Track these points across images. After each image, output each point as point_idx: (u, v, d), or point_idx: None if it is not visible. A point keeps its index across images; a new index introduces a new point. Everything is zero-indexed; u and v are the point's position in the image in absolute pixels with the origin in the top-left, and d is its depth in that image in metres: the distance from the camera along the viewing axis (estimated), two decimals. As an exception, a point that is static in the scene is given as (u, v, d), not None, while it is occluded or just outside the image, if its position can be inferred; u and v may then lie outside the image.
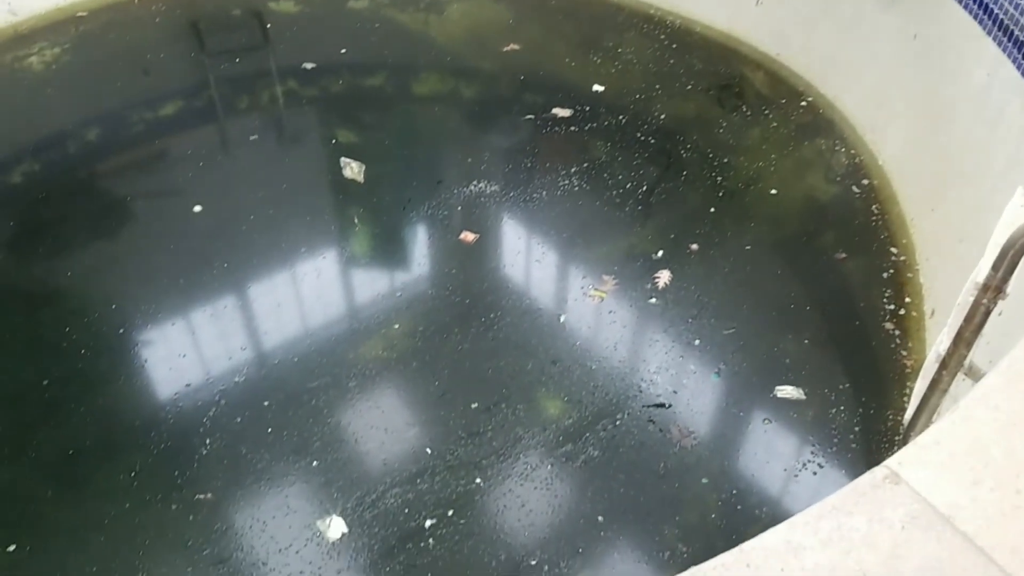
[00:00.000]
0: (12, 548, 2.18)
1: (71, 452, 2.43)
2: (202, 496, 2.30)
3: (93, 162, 3.77)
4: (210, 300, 2.97)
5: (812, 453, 2.41)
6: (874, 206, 3.29)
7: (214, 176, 3.58)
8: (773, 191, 3.42)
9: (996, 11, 2.60)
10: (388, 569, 2.12)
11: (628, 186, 3.46)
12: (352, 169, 3.57)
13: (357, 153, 3.67)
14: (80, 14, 4.59)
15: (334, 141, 3.79)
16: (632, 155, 3.64)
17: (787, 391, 2.59)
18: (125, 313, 2.89)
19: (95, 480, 2.35)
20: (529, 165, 3.62)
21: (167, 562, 2.14)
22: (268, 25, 4.86)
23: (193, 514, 2.25)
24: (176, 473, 2.36)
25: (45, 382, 2.64)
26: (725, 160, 3.58)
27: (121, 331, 2.83)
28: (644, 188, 3.45)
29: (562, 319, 2.89)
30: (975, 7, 2.72)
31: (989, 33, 2.65)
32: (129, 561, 2.14)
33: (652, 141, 3.71)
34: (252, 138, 3.82)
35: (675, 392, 2.60)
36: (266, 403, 2.57)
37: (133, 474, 2.36)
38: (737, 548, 1.76)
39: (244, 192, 3.46)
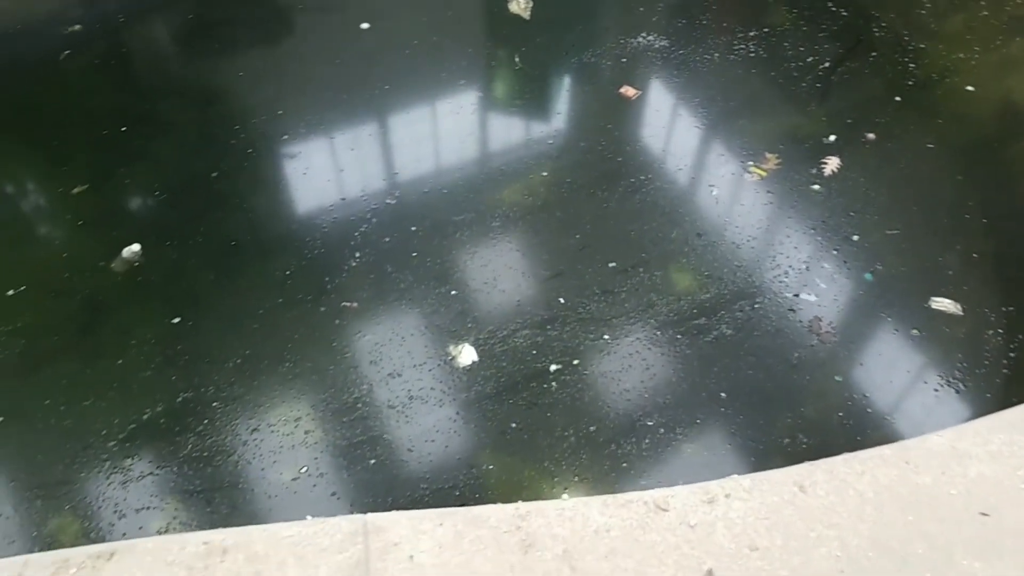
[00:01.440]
0: (176, 320, 2.33)
1: (233, 243, 2.53)
2: (348, 304, 2.37)
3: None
4: (369, 120, 2.95)
5: (958, 371, 2.24)
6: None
7: (384, -6, 3.48)
8: (969, 87, 3.04)
9: None
10: (511, 402, 2.15)
11: (808, 60, 3.15)
12: (519, 4, 3.39)
13: (526, -12, 3.47)
14: None
15: (505, -28, 3.58)
16: (818, 26, 3.29)
17: (943, 303, 2.39)
18: (289, 120, 2.92)
19: (253, 273, 2.46)
20: (703, 23, 3.33)
21: (311, 357, 2.24)
22: None
23: (339, 319, 2.33)
24: (326, 279, 2.43)
25: (214, 174, 2.73)
26: (921, 46, 3.18)
27: (285, 136, 2.87)
28: (826, 64, 3.14)
29: (714, 192, 2.73)
30: None
31: None
32: (278, 350, 2.25)
33: (843, 14, 3.34)
34: (424, -41, 3.66)
35: (823, 285, 2.44)
36: (413, 228, 2.58)
37: (288, 273, 2.45)
38: (898, 443, 1.68)
39: (410, 15, 3.35)
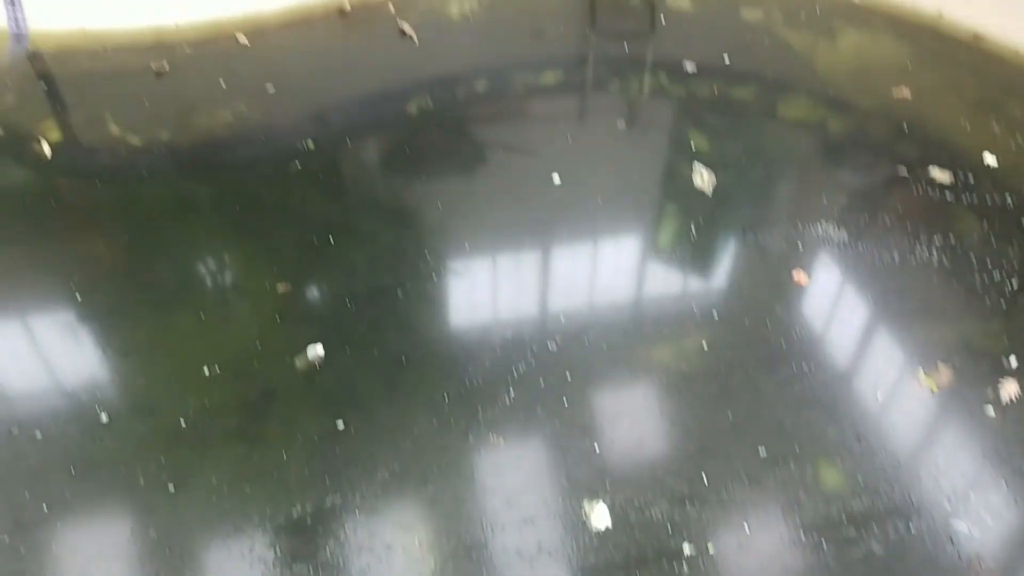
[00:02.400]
0: (340, 424, 2.45)
1: (403, 359, 2.67)
2: (495, 438, 2.41)
3: (474, 107, 4.04)
4: (546, 265, 3.08)
5: None
6: None
7: (574, 149, 3.68)
8: None
9: None
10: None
11: (995, 276, 3.00)
12: (702, 177, 3.47)
13: (709, 162, 3.56)
14: (504, -25, 4.91)
15: (692, 147, 3.71)
16: (1009, 243, 3.14)
17: None
18: (474, 253, 3.09)
19: (415, 391, 2.56)
20: (887, 221, 3.27)
21: (453, 485, 2.28)
22: (659, 17, 4.85)
23: (485, 452, 2.38)
24: (480, 409, 2.50)
25: (399, 291, 2.92)
26: None
27: (466, 268, 3.03)
28: (1014, 283, 2.98)
29: (879, 395, 2.60)
30: None
31: None
32: (424, 471, 2.31)
33: (1038, 234, 3.18)
34: (619, 125, 3.86)
35: (988, 520, 2.24)
36: (569, 376, 2.62)
37: (447, 397, 2.53)
38: None
39: (598, 172, 3.52)
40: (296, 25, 4.34)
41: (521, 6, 4.72)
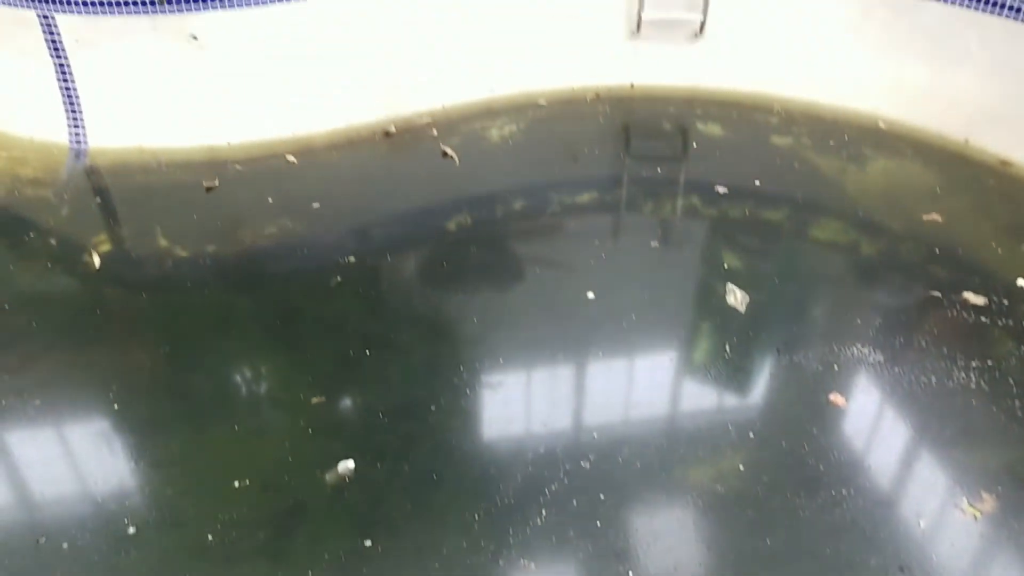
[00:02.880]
0: (368, 543, 2.43)
1: (435, 476, 2.66)
2: (526, 563, 2.37)
3: (512, 225, 4.18)
4: (579, 382, 3.10)
5: None
6: None
7: (608, 267, 3.76)
8: None
9: None
10: None
11: (1038, 402, 2.95)
12: (735, 297, 3.51)
13: (741, 281, 3.61)
14: (540, 102, 5.16)
15: (725, 266, 3.78)
16: (1050, 369, 3.11)
17: None
18: (508, 370, 3.13)
19: (446, 510, 2.54)
20: (923, 345, 3.26)
21: (481, 610, 2.23)
22: (691, 142, 5.04)
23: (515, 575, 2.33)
24: (511, 531, 2.46)
25: (432, 407, 2.94)
26: None
27: (500, 384, 3.06)
28: (1058, 410, 2.92)
29: (922, 524, 2.53)
30: None
31: None
32: (452, 594, 2.27)
33: (1080, 360, 3.14)
34: (652, 244, 3.96)
35: (1049, 665, 2.12)
36: (602, 496, 2.59)
37: (477, 517, 2.51)
38: None
39: (632, 290, 3.58)
40: (343, 146, 4.59)
41: (558, 132, 4.94)
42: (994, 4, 4.42)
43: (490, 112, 5.02)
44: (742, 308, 3.46)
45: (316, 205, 4.04)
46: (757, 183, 4.40)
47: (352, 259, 3.71)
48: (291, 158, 4.40)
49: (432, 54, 4.84)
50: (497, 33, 4.98)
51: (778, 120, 5.03)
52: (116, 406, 2.95)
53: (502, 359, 3.17)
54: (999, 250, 3.85)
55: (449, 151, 4.50)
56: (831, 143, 4.78)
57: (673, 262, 3.87)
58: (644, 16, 5.08)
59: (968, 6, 4.52)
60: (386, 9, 4.59)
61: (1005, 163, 4.46)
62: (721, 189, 4.33)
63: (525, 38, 5.05)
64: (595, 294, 3.52)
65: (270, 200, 4.08)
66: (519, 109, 5.09)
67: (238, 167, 4.33)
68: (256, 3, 4.29)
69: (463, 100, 5.01)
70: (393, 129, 4.72)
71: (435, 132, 4.72)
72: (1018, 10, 4.34)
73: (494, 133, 4.85)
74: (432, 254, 3.88)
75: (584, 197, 4.42)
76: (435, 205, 4.24)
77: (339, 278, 3.61)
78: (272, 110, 4.44)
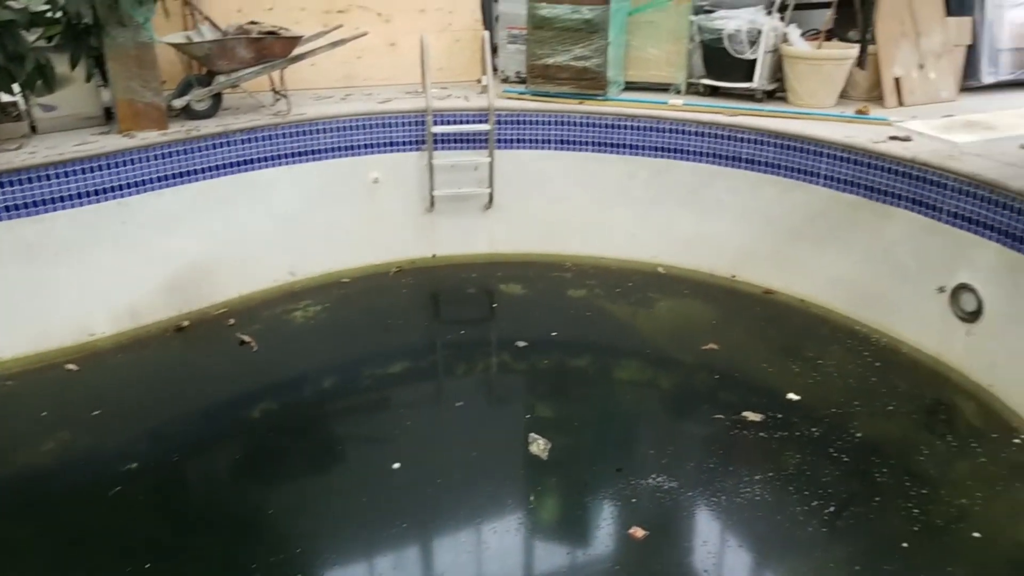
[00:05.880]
0: None
1: None
2: None
3: (322, 406, 4.25)
4: (388, 557, 3.12)
5: None
6: (1101, 572, 2.86)
7: (417, 434, 3.89)
8: (976, 534, 3.09)
9: None
10: None
11: (814, 504, 3.29)
12: (538, 445, 3.72)
13: (549, 429, 3.84)
14: (344, 280, 5.39)
15: (528, 415, 4.01)
16: (821, 471, 3.49)
17: None
18: (307, 560, 3.09)
19: None
20: (712, 466, 3.57)
21: None
22: (495, 303, 5.42)
23: None
24: None
25: (229, 610, 2.85)
26: (923, 491, 3.32)
27: None
28: (832, 509, 3.27)
29: (725, 641, 2.70)
30: None
31: None
32: None
33: (845, 459, 3.56)
34: (458, 404, 4.15)
35: None
36: (411, 673, 2.58)
37: None
38: None
39: (440, 454, 3.70)
40: (130, 346, 4.53)
41: (364, 307, 5.15)
42: (733, 159, 5.23)
43: (292, 295, 5.17)
44: (545, 455, 3.67)
45: (97, 413, 3.93)
46: (559, 333, 4.76)
47: (135, 465, 3.60)
48: (71, 366, 4.29)
49: (224, 241, 4.99)
50: (293, 217, 5.23)
51: (572, 275, 5.52)
52: None
53: (300, 548, 3.13)
54: (770, 369, 4.36)
55: (247, 338, 4.57)
56: (619, 291, 5.29)
57: (478, 420, 4.06)
58: (436, 194, 5.55)
59: (712, 163, 5.32)
60: (170, 199, 4.72)
61: (768, 292, 5.12)
62: (521, 344, 4.64)
63: (323, 218, 5.33)
64: (401, 464, 3.61)
65: (44, 414, 3.93)
66: (323, 289, 5.28)
67: (9, 383, 4.17)
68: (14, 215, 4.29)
69: (262, 286, 5.15)
70: (186, 323, 4.75)
71: (232, 321, 4.79)
72: (752, 162, 5.15)
73: (298, 315, 4.98)
74: (230, 447, 3.85)
75: (394, 368, 4.59)
76: (235, 396, 4.24)
77: (124, 488, 3.48)
78: (46, 318, 4.36)
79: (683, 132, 5.32)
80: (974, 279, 4.04)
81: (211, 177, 4.92)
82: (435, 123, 5.37)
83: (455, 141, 5.52)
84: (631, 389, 4.46)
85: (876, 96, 5.49)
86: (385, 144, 5.44)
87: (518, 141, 5.64)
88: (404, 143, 5.48)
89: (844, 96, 5.49)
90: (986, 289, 3.98)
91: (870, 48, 5.42)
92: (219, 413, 4.11)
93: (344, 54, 5.54)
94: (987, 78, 5.74)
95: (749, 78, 5.46)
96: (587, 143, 5.56)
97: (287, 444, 3.85)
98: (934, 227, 4.23)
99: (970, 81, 5.76)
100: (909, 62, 5.48)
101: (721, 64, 5.54)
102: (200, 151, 4.83)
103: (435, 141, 5.42)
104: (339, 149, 5.33)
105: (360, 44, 5.41)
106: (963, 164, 4.13)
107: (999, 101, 5.47)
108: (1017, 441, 3.62)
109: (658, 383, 4.54)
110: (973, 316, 4.07)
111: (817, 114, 5.20)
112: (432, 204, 5.62)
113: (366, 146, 5.40)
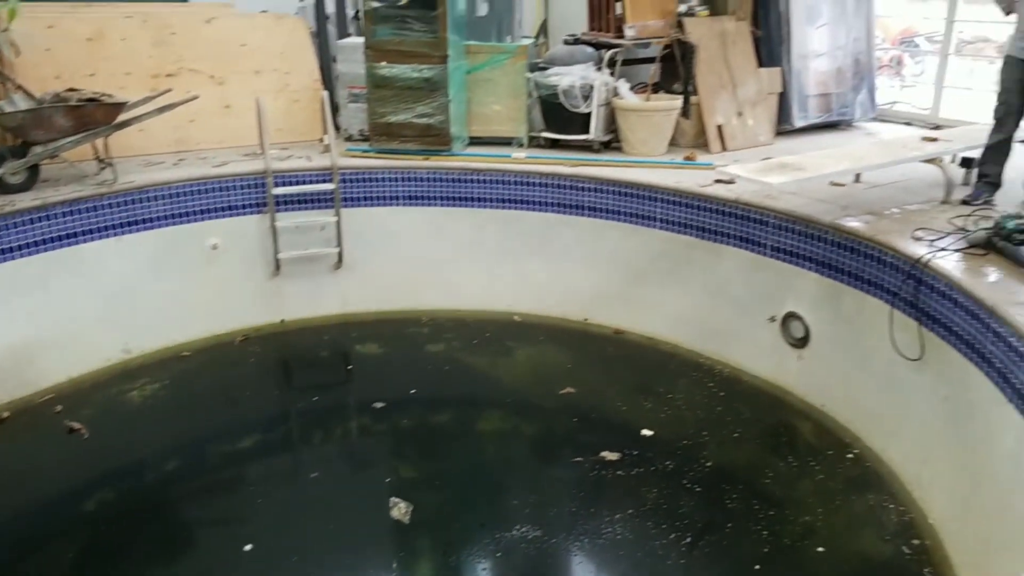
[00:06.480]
0: None
1: None
2: None
3: (165, 491, 3.99)
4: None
5: None
6: (926, 570, 3.10)
7: (270, 511, 3.72)
8: (820, 549, 3.28)
9: (1015, 382, 2.65)
10: None
11: (672, 536, 3.40)
12: (400, 509, 3.65)
13: (412, 490, 3.77)
14: (184, 353, 5.13)
15: (389, 479, 3.94)
16: (677, 503, 3.61)
17: None
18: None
19: None
20: (574, 510, 3.63)
21: None
22: (350, 365, 5.32)
23: None
24: None
25: None
26: (771, 512, 3.51)
27: None
28: (688, 539, 3.38)
29: None
30: (996, 376, 2.78)
31: (1011, 401, 2.67)
32: None
33: (698, 489, 3.70)
34: (313, 475, 4.01)
35: None
36: None
37: None
38: None
39: (294, 530, 3.55)
40: (-59, 446, 4.12)
41: (209, 380, 4.91)
42: (577, 207, 5.44)
43: (127, 374, 4.86)
44: (407, 519, 3.60)
45: None
46: (419, 390, 4.72)
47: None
48: None
49: (47, 322, 4.65)
50: (124, 291, 4.95)
51: (428, 330, 5.51)
52: None
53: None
54: (624, 407, 4.50)
55: (77, 425, 4.24)
56: (477, 342, 5.33)
57: (336, 490, 3.93)
58: (281, 256, 5.41)
59: (558, 212, 5.51)
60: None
61: (619, 332, 5.31)
62: (378, 405, 4.56)
63: (159, 289, 5.07)
64: (253, 545, 3.43)
65: None
66: (161, 364, 5.00)
67: None
68: None
69: (93, 367, 4.81)
70: (6, 415, 4.37)
71: (59, 408, 4.45)
72: (595, 210, 5.37)
73: (134, 395, 4.69)
74: (63, 545, 3.54)
75: (243, 443, 4.39)
76: (66, 489, 3.92)
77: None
78: None
79: (528, 184, 5.48)
80: (799, 307, 4.37)
81: (30, 254, 4.58)
82: (276, 184, 5.27)
83: (299, 202, 5.44)
84: (493, 440, 4.47)
85: (702, 143, 5.89)
86: (223, 208, 5.27)
87: (365, 199, 5.63)
88: (244, 206, 5.34)
89: (674, 144, 5.85)
90: (811, 316, 4.32)
91: (693, 99, 5.83)
92: (48, 509, 3.78)
93: (176, 118, 5.36)
94: (798, 122, 6.29)
95: (586, 130, 5.73)
96: (435, 198, 5.62)
97: (127, 536, 3.58)
98: (760, 262, 4.55)
99: (784, 125, 6.28)
100: (729, 110, 5.93)
101: (559, 118, 5.79)
102: (15, 227, 4.51)
103: (277, 203, 5.31)
104: (173, 216, 5.11)
105: (193, 107, 5.26)
106: (781, 202, 4.49)
107: (810, 143, 6.00)
108: (850, 456, 3.90)
109: (519, 431, 4.57)
110: (802, 342, 4.39)
111: (650, 162, 5.51)
112: (278, 268, 5.48)
113: (202, 211, 5.21)
